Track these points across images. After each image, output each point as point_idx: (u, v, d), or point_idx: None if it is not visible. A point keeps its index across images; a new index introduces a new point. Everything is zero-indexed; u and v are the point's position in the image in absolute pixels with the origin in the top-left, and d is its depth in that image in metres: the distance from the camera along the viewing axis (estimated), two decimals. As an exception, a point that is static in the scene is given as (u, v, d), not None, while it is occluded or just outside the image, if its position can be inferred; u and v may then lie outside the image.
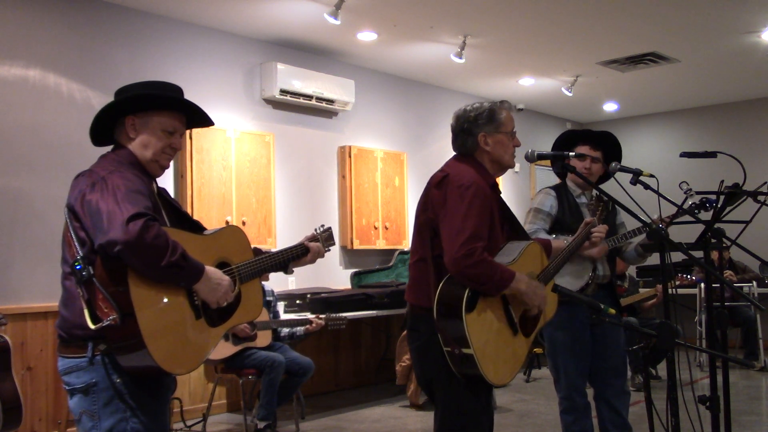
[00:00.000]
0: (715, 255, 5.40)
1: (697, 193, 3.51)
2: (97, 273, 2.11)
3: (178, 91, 2.45)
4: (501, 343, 2.73)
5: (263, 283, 5.60)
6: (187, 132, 5.98)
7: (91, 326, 2.10)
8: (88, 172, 2.26)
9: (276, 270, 2.66)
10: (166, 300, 2.16)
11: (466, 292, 2.62)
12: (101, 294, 2.09)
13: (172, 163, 6.02)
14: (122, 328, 2.08)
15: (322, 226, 2.94)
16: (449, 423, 2.78)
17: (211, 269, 2.25)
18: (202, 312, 2.27)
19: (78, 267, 2.13)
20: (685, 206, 3.36)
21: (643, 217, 2.89)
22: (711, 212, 3.26)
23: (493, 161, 2.90)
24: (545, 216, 3.72)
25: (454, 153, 2.99)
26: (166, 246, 2.08)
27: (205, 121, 2.53)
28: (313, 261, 2.78)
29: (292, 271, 2.76)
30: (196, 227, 2.50)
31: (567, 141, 3.86)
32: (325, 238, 2.89)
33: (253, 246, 2.61)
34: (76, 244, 2.17)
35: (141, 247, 2.04)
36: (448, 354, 2.66)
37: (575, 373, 3.69)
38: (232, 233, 2.52)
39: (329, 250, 2.96)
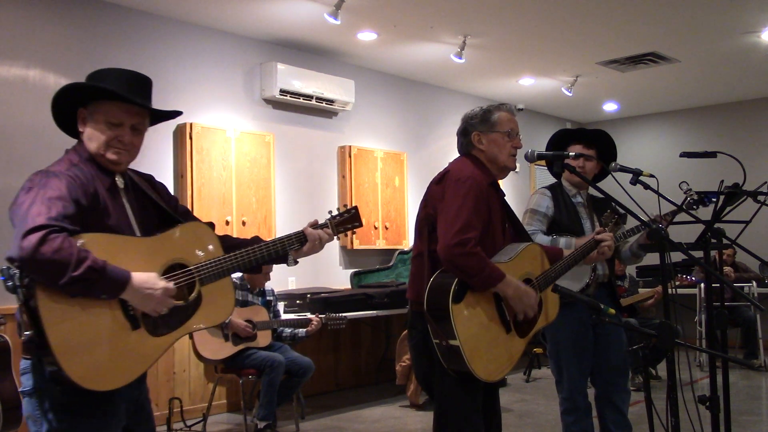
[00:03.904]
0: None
1: (697, 193, 3.51)
2: (21, 283, 1.97)
3: (136, 81, 2.28)
4: (490, 339, 2.73)
5: (265, 285, 5.61)
6: (188, 132, 6.04)
7: (20, 338, 2.02)
8: (44, 172, 2.15)
9: (260, 264, 2.41)
10: (86, 313, 2.01)
11: (454, 282, 2.63)
12: (22, 306, 1.99)
13: (171, 163, 6.10)
14: (40, 343, 1.97)
15: (345, 205, 2.70)
16: (444, 420, 2.81)
17: (141, 277, 2.08)
18: (142, 321, 2.12)
19: (2, 278, 2.01)
20: (685, 206, 3.36)
21: (643, 217, 2.89)
22: (711, 212, 3.26)
23: (489, 161, 2.93)
24: (541, 217, 3.71)
25: (458, 154, 3.03)
26: (68, 260, 1.91)
27: (166, 114, 2.37)
28: (310, 252, 2.51)
29: (296, 262, 2.51)
30: (171, 220, 2.34)
31: (560, 141, 3.86)
32: (337, 222, 2.62)
33: (254, 236, 2.48)
34: None
35: (37, 263, 1.90)
36: (437, 346, 2.68)
37: (577, 374, 3.69)
38: (191, 230, 2.32)
39: (354, 232, 2.67)
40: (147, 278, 2.09)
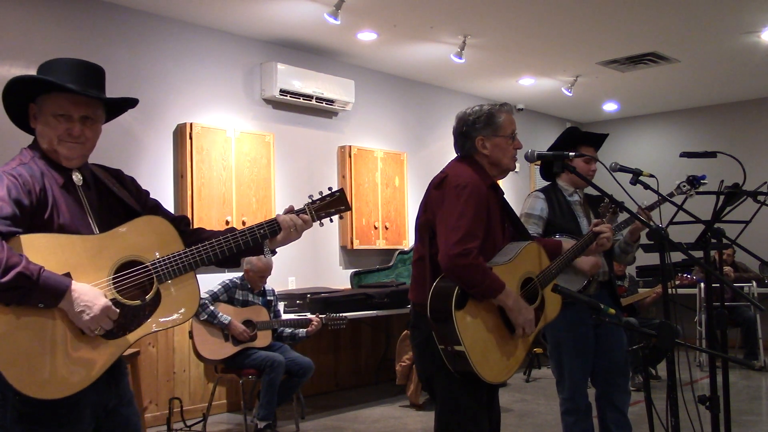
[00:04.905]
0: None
1: (697, 193, 3.52)
2: None
3: (85, 70, 2.20)
4: (495, 341, 2.72)
5: (265, 285, 5.61)
6: (187, 132, 6.04)
7: None
8: None
9: (229, 257, 2.24)
10: (26, 319, 1.91)
11: (456, 289, 2.63)
12: None
13: (171, 163, 6.10)
14: None
15: (330, 188, 2.46)
16: (447, 420, 2.80)
17: (81, 289, 1.96)
18: None
19: None
20: (685, 207, 3.37)
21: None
22: (711, 212, 3.26)
23: (491, 164, 2.91)
24: (536, 219, 3.71)
25: (456, 154, 3.00)
26: None
27: (120, 102, 2.25)
28: (286, 241, 2.30)
29: (273, 252, 2.32)
30: (133, 214, 2.20)
31: (567, 140, 3.86)
32: (317, 207, 2.39)
33: (228, 227, 2.33)
34: None
35: None
36: (443, 351, 2.67)
37: (579, 375, 3.68)
38: (146, 224, 2.16)
39: (341, 217, 2.46)
40: (87, 292, 1.97)
